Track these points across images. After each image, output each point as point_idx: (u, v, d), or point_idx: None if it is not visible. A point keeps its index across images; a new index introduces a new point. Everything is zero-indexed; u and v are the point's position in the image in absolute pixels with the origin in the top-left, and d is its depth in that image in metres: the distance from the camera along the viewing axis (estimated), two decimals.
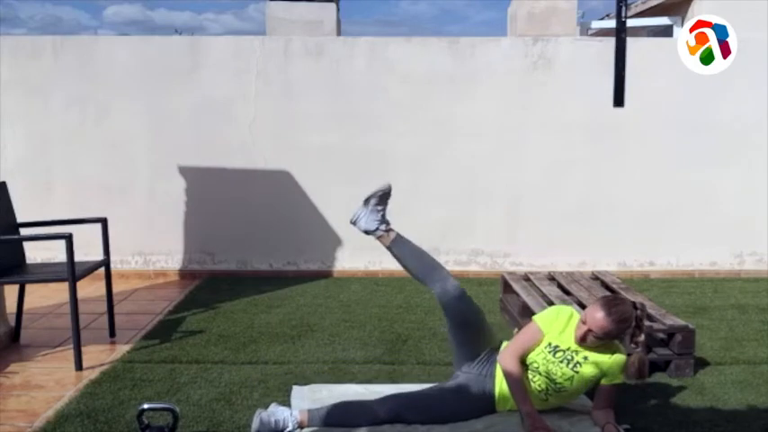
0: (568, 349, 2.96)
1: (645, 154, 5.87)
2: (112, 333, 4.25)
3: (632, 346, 2.94)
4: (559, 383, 2.95)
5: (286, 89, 5.84)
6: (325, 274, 5.93)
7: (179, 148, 5.86)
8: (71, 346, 3.74)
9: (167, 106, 5.85)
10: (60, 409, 3.13)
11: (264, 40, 5.88)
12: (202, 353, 3.93)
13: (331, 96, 5.85)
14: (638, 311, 2.92)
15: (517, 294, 4.31)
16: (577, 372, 2.93)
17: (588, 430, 2.92)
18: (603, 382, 2.96)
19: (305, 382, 3.46)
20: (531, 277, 4.67)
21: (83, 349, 3.75)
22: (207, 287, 5.55)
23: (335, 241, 5.97)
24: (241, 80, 5.83)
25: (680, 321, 3.65)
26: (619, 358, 2.94)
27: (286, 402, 3.21)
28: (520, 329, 4.06)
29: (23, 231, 4.18)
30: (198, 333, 4.30)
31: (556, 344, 2.98)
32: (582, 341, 2.90)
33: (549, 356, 2.97)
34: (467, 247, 5.93)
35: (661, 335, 3.70)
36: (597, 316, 2.85)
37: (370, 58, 5.86)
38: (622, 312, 2.87)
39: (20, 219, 4.16)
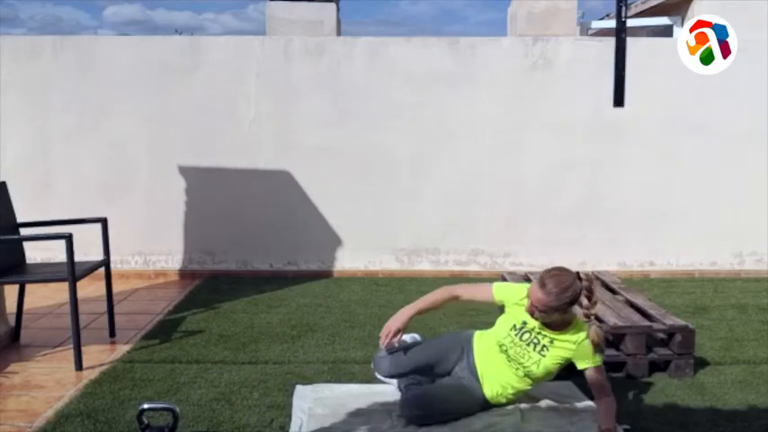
0: (533, 330, 2.98)
1: (645, 154, 5.87)
2: (112, 333, 4.25)
3: (585, 320, 2.93)
4: (527, 367, 2.97)
5: (286, 89, 5.84)
6: (325, 274, 5.93)
7: (179, 148, 5.86)
8: (71, 346, 3.73)
9: (167, 106, 5.85)
10: (60, 409, 3.13)
11: (264, 40, 5.88)
12: (202, 353, 3.93)
13: (331, 96, 5.85)
14: (584, 281, 2.88)
15: None
16: (544, 355, 2.95)
17: (588, 430, 2.92)
18: (581, 366, 2.93)
19: (305, 381, 3.46)
20: (531, 277, 4.67)
21: (83, 349, 3.75)
22: (207, 287, 5.55)
23: (335, 241, 5.97)
24: (241, 80, 5.83)
25: (680, 321, 3.66)
26: (586, 341, 2.92)
27: (286, 402, 3.22)
28: None
29: (23, 231, 4.18)
30: (198, 333, 4.30)
31: (521, 325, 3.00)
32: (531, 314, 2.90)
33: (516, 339, 3.00)
34: (467, 246, 5.93)
35: (661, 335, 3.70)
36: (534, 289, 2.84)
37: (370, 58, 5.86)
38: (559, 282, 2.81)
39: (20, 219, 4.16)
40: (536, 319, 2.92)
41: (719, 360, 3.83)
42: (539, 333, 2.97)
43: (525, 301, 2.94)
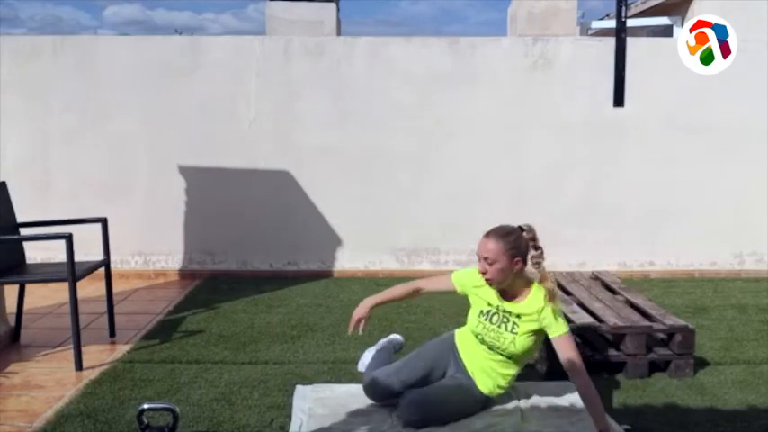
0: (498, 309, 3.00)
1: (645, 154, 5.87)
2: (112, 333, 4.25)
3: (534, 268, 2.94)
4: (505, 348, 2.99)
5: (286, 89, 5.84)
6: (325, 274, 5.93)
7: (179, 148, 5.86)
8: (71, 346, 3.74)
9: (167, 106, 5.85)
10: (60, 409, 3.13)
11: (264, 40, 5.88)
12: (202, 353, 3.93)
13: (331, 96, 5.85)
14: (525, 232, 2.94)
15: None
16: (516, 333, 2.96)
17: (588, 430, 2.92)
18: (552, 334, 2.91)
19: (305, 381, 3.46)
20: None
21: (83, 349, 3.75)
22: (207, 287, 5.55)
23: (335, 241, 5.97)
24: (241, 80, 5.83)
25: (680, 321, 3.66)
26: (548, 305, 2.91)
27: (286, 402, 3.22)
28: None
29: (23, 231, 4.18)
30: (198, 333, 4.30)
31: (487, 308, 3.04)
32: (484, 275, 2.94)
33: (487, 324, 3.02)
34: (467, 246, 5.91)
35: (661, 335, 3.70)
36: (481, 242, 2.95)
37: (370, 58, 5.86)
38: (501, 229, 2.95)
39: (20, 219, 4.16)
40: (492, 286, 2.97)
41: (719, 360, 3.83)
42: (504, 311, 3.00)
43: (482, 281, 3.02)
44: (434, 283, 3.32)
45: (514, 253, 2.89)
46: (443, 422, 2.95)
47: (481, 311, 3.07)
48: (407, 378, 3.08)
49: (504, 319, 2.99)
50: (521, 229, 2.96)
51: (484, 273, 2.94)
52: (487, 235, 2.94)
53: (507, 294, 3.01)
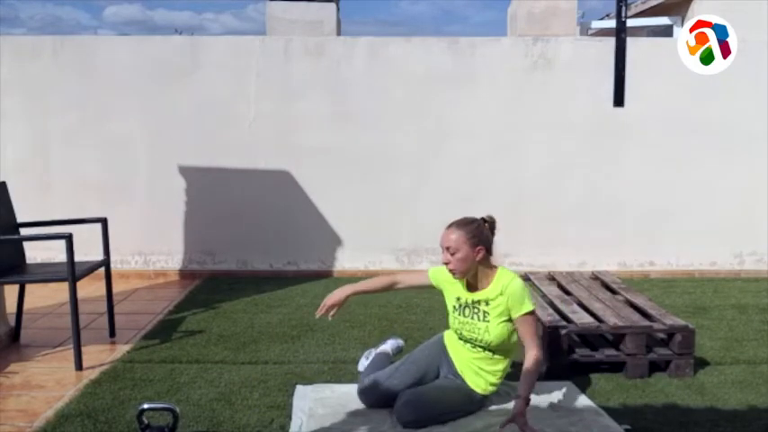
0: (468, 302, 3.05)
1: (645, 154, 5.87)
2: (112, 333, 4.25)
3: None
4: (481, 339, 3.02)
5: (286, 89, 5.84)
6: (326, 274, 5.93)
7: (179, 148, 5.86)
8: (71, 346, 3.73)
9: (167, 106, 5.85)
10: (60, 409, 3.13)
11: (264, 40, 5.88)
12: (202, 353, 3.93)
13: (331, 96, 5.85)
14: (487, 222, 3.03)
15: None
16: (488, 321, 2.99)
17: (588, 430, 2.92)
18: (515, 315, 2.95)
19: (305, 381, 3.46)
20: (531, 277, 4.67)
21: (83, 349, 3.75)
22: (207, 287, 5.55)
23: (335, 241, 5.97)
24: (241, 80, 5.83)
25: (680, 321, 3.65)
26: (511, 284, 2.96)
27: (286, 402, 3.22)
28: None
29: (23, 231, 4.18)
30: (198, 333, 4.30)
31: (457, 303, 3.09)
32: (448, 265, 2.99)
33: (461, 318, 3.08)
34: None
35: (661, 335, 3.70)
36: (444, 233, 3.00)
37: (370, 58, 5.86)
38: (462, 219, 3.02)
39: (20, 219, 4.16)
40: (456, 277, 3.02)
41: (719, 360, 3.83)
42: (474, 302, 3.04)
43: (462, 284, 3.07)
44: (413, 278, 3.39)
45: (476, 242, 2.95)
46: (441, 421, 2.95)
47: (454, 307, 3.13)
48: (401, 382, 3.09)
49: (475, 310, 3.03)
50: (483, 219, 3.03)
51: (447, 263, 2.99)
52: (449, 226, 3.01)
53: (474, 285, 3.06)
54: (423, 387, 3.07)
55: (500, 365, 3.09)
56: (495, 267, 3.04)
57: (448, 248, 2.97)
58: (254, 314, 4.73)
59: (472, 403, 3.07)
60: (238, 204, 5.92)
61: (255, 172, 5.88)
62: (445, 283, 3.16)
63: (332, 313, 3.30)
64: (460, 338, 3.12)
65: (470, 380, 3.09)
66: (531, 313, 2.97)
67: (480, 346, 3.05)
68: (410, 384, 3.08)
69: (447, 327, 3.26)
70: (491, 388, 3.11)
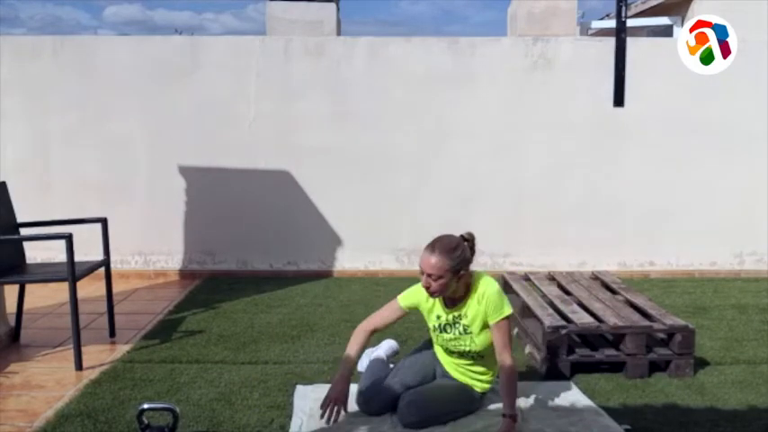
0: (447, 318, 3.01)
1: (645, 154, 5.87)
2: (112, 333, 4.25)
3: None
4: (469, 350, 3.01)
5: (286, 89, 5.84)
6: (326, 274, 5.93)
7: (179, 148, 5.86)
8: (71, 346, 3.74)
9: (167, 106, 5.85)
10: (60, 409, 3.13)
11: (264, 40, 5.88)
12: (202, 353, 3.93)
13: (331, 96, 5.85)
14: (467, 242, 2.95)
15: (517, 294, 4.31)
16: (471, 332, 2.98)
17: (588, 430, 2.92)
18: (492, 320, 2.92)
19: (305, 381, 3.46)
20: (531, 277, 4.67)
21: (83, 349, 3.75)
22: (207, 287, 5.55)
23: (335, 241, 5.97)
24: (241, 80, 5.83)
25: (680, 321, 3.65)
26: (488, 292, 2.93)
27: (286, 402, 3.22)
28: (519, 329, 4.09)
29: (23, 231, 4.18)
30: (198, 333, 4.30)
31: (438, 323, 3.04)
32: (428, 290, 2.89)
33: (444, 335, 3.05)
34: None
35: (661, 335, 3.70)
36: (426, 258, 2.85)
37: (370, 58, 5.86)
38: (446, 243, 2.88)
39: (20, 219, 4.16)
40: (435, 297, 2.96)
41: (719, 360, 3.83)
42: (454, 318, 3.00)
43: (440, 303, 2.99)
44: (384, 318, 3.13)
45: (459, 267, 2.87)
46: (443, 421, 2.95)
47: (434, 327, 3.08)
48: (401, 387, 3.08)
49: (456, 325, 3.01)
50: (463, 238, 2.94)
51: (428, 287, 2.89)
52: (432, 250, 2.86)
53: (451, 299, 3.00)
54: (424, 387, 3.07)
55: (492, 366, 3.08)
56: (470, 274, 2.99)
57: (430, 275, 2.85)
58: (254, 314, 4.73)
59: (473, 402, 3.08)
60: (238, 204, 5.92)
61: (255, 172, 5.88)
62: (421, 304, 3.07)
63: (341, 416, 2.96)
64: (447, 352, 3.12)
65: (466, 383, 3.10)
66: (508, 317, 2.94)
67: (469, 357, 3.06)
68: (410, 387, 3.08)
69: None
70: (487, 386, 3.13)
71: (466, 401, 3.07)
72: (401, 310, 3.11)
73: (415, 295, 3.07)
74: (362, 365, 3.53)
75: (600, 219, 5.91)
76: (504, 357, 2.90)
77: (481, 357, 3.06)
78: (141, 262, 5.96)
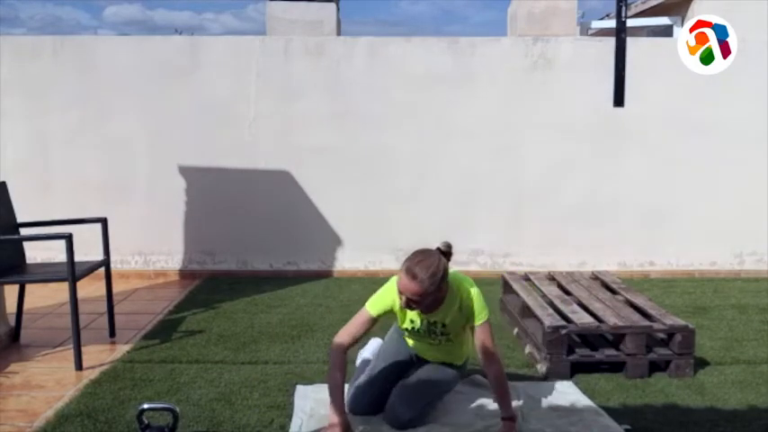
0: (422, 323, 2.96)
1: (645, 154, 5.87)
2: (112, 333, 4.25)
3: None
4: (446, 347, 3.04)
5: (286, 89, 5.84)
6: (326, 274, 5.93)
7: (179, 148, 5.86)
8: (71, 346, 3.74)
9: (167, 106, 5.85)
10: (60, 409, 3.13)
11: (264, 40, 5.88)
12: (202, 353, 3.93)
13: (331, 96, 5.85)
14: (444, 254, 2.83)
15: (517, 294, 4.31)
16: (448, 333, 2.98)
17: (588, 430, 2.92)
18: (472, 324, 2.90)
19: (305, 381, 3.46)
20: (531, 277, 4.67)
21: (83, 349, 3.75)
22: (207, 287, 5.55)
23: (335, 241, 5.97)
24: (241, 80, 5.83)
25: (680, 321, 3.65)
26: (467, 297, 2.89)
27: (286, 402, 3.22)
28: (519, 329, 4.09)
29: (23, 231, 4.18)
30: (198, 333, 4.30)
31: (411, 326, 3.00)
32: (410, 308, 2.83)
33: (417, 337, 3.06)
34: (467, 247, 5.92)
35: (661, 335, 3.70)
36: (406, 283, 2.73)
37: (370, 58, 5.86)
38: (427, 267, 2.72)
39: (20, 219, 4.16)
40: (414, 310, 2.89)
41: (719, 360, 3.83)
42: (429, 323, 2.96)
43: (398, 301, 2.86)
44: (354, 330, 2.91)
45: (440, 284, 2.80)
46: (434, 407, 3.01)
47: (406, 329, 3.04)
48: (385, 382, 3.08)
49: (432, 328, 2.98)
50: (440, 251, 2.83)
51: (408, 307, 2.82)
52: (412, 276, 2.70)
53: (427, 306, 2.91)
54: (409, 382, 3.07)
55: (465, 343, 3.09)
56: (446, 283, 2.88)
57: (413, 301, 2.76)
58: (254, 314, 4.73)
59: (456, 379, 3.13)
60: (238, 204, 5.92)
61: (255, 172, 5.88)
62: (393, 308, 2.93)
63: None
64: (417, 341, 3.13)
65: (443, 361, 3.13)
66: (487, 321, 2.92)
67: (443, 351, 3.09)
68: (394, 381, 3.06)
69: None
70: (464, 357, 3.16)
71: (451, 380, 3.11)
72: (373, 320, 2.91)
73: (384, 300, 2.92)
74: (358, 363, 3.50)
75: (600, 219, 5.91)
76: (491, 360, 2.87)
77: (458, 346, 3.09)
78: (141, 262, 5.96)
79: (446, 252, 2.86)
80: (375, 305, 2.93)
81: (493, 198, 5.91)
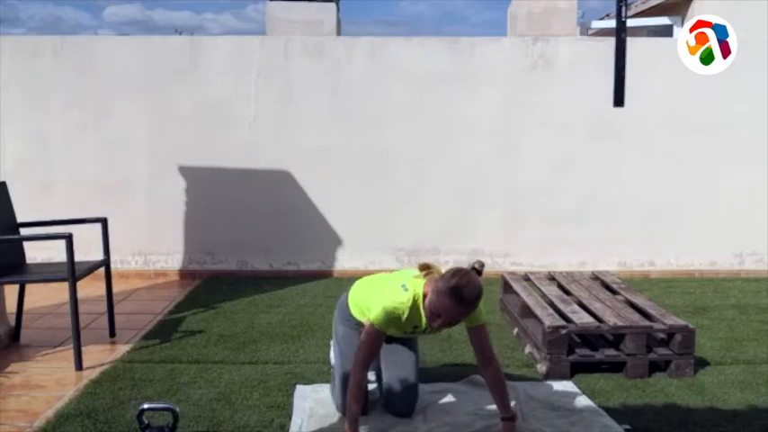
0: (427, 328, 2.86)
1: (645, 154, 5.87)
2: (112, 333, 4.25)
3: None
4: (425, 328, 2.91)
5: (286, 89, 5.84)
6: (326, 274, 5.93)
7: (179, 148, 5.86)
8: (71, 346, 3.73)
9: (167, 106, 5.85)
10: (60, 409, 3.13)
11: (264, 40, 5.88)
12: (202, 353, 3.93)
13: (331, 96, 5.85)
14: (479, 270, 2.73)
15: (517, 294, 4.31)
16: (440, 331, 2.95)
17: (588, 430, 2.92)
18: (469, 324, 2.82)
19: (305, 381, 3.47)
20: (531, 277, 4.67)
21: (83, 349, 3.75)
22: (207, 287, 5.55)
23: (335, 241, 5.97)
24: (241, 80, 5.83)
25: (680, 321, 3.66)
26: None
27: (286, 402, 3.22)
28: (519, 329, 4.09)
29: (23, 231, 4.18)
30: (198, 333, 4.30)
31: (412, 330, 2.90)
32: (438, 327, 2.73)
33: (409, 334, 3.01)
34: (467, 247, 5.92)
35: (661, 335, 3.70)
36: (455, 312, 2.64)
37: (369, 58, 5.86)
38: (473, 291, 2.63)
39: (20, 219, 4.16)
40: (441, 328, 2.81)
41: (719, 360, 3.83)
42: (432, 328, 2.84)
43: (415, 313, 2.77)
44: (367, 353, 2.79)
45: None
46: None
47: (405, 332, 2.95)
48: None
49: (428, 330, 2.91)
50: (475, 270, 2.73)
51: (439, 327, 2.73)
52: (459, 302, 2.60)
53: None
54: (401, 375, 3.06)
55: None
56: None
57: (449, 321, 2.68)
58: (254, 314, 4.73)
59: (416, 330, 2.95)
60: (238, 204, 5.91)
61: (255, 172, 5.88)
62: (400, 317, 2.80)
63: None
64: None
65: (410, 336, 3.09)
66: (485, 323, 2.87)
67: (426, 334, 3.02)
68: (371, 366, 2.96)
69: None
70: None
71: (416, 335, 3.07)
72: (379, 335, 2.80)
73: (391, 317, 2.77)
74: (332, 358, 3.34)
75: (600, 219, 5.91)
76: (489, 362, 2.85)
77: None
78: (141, 262, 5.96)
79: (480, 271, 2.76)
80: (383, 322, 2.76)
81: (493, 198, 5.91)
